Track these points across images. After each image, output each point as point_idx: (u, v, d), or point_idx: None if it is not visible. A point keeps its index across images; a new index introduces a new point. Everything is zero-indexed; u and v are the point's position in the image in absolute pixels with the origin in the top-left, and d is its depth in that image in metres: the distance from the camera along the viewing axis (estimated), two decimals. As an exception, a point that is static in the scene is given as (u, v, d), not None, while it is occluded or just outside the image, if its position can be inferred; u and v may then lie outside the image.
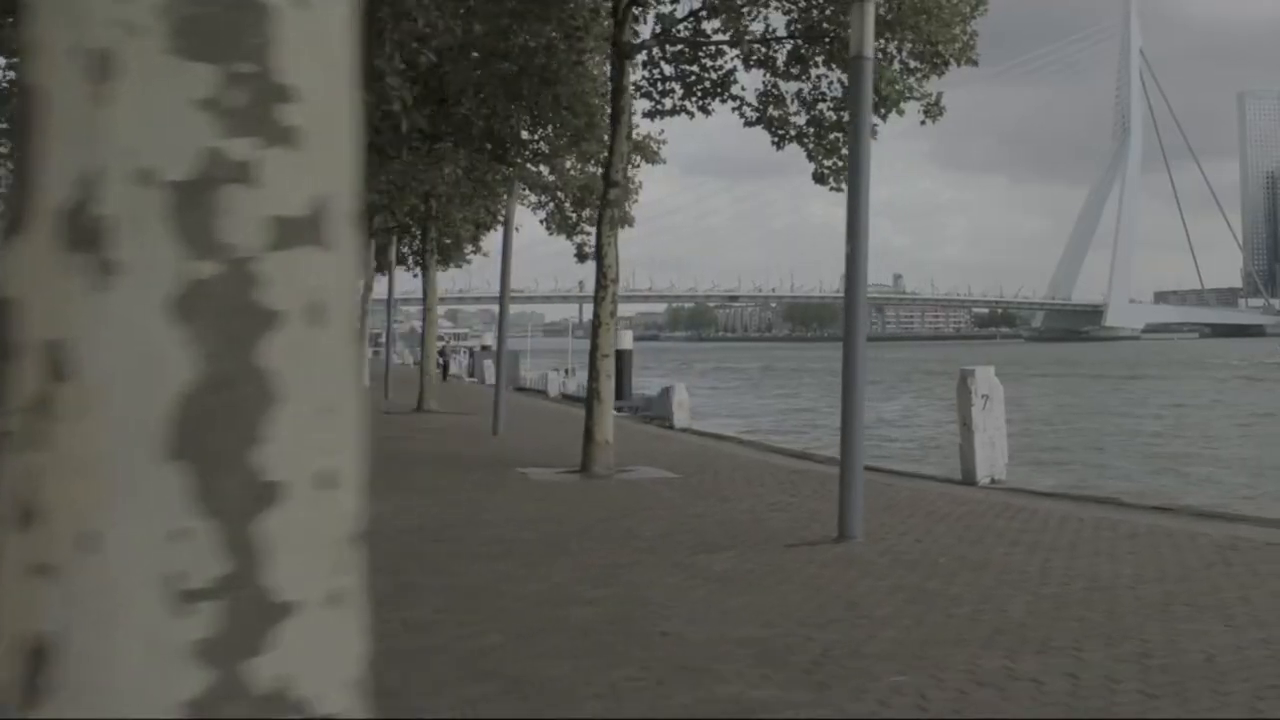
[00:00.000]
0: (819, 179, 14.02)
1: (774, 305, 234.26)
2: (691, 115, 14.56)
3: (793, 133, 14.08)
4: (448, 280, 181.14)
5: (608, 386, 11.76)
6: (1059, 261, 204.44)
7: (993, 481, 11.00)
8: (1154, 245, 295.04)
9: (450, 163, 17.61)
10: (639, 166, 22.86)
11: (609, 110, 12.81)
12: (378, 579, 3.23)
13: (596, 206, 22.61)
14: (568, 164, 21.35)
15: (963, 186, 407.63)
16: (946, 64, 12.66)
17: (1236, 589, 5.47)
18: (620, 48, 12.07)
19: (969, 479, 11.08)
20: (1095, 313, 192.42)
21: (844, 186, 14.03)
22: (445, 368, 39.67)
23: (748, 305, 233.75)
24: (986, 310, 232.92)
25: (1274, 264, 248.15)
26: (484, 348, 70.04)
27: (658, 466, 11.96)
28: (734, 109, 14.41)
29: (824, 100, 13.44)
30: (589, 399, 11.77)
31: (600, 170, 22.12)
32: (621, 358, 45.22)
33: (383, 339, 61.89)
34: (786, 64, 13.60)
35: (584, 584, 5.79)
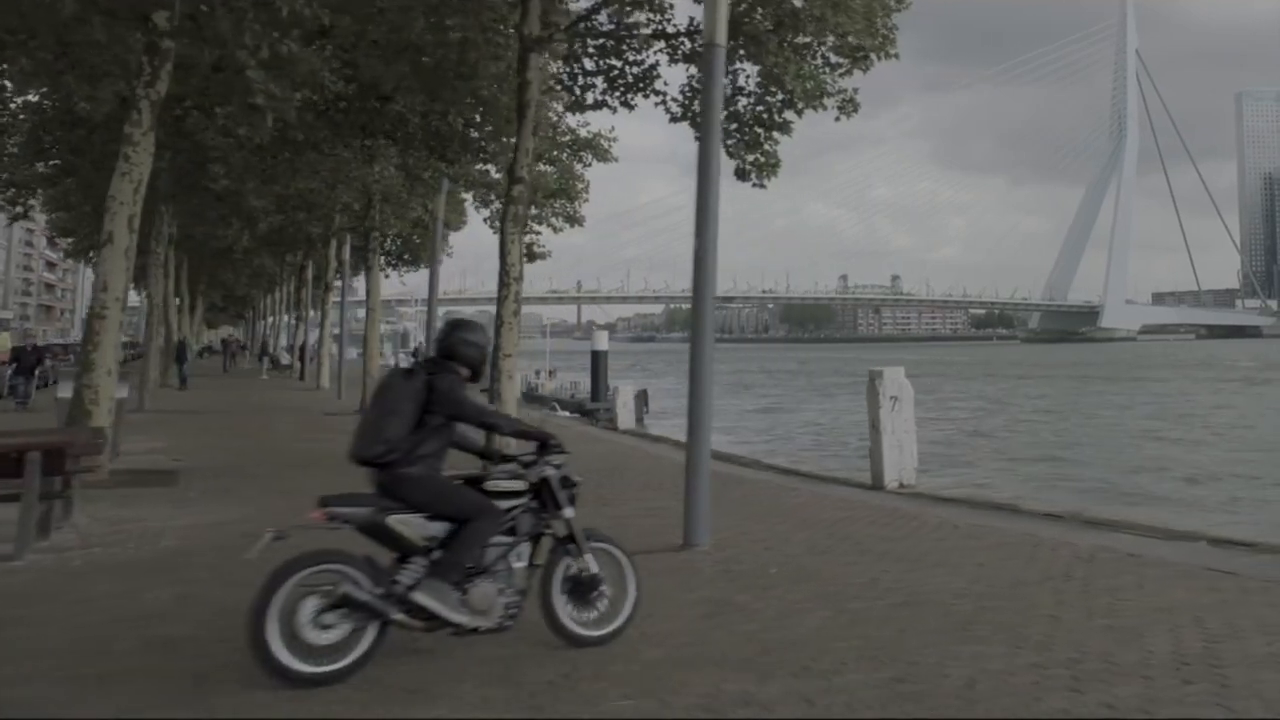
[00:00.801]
0: (741, 175, 13.72)
1: (770, 306, 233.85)
2: (614, 110, 14.28)
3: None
4: (443, 281, 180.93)
5: (508, 388, 11.45)
6: (1055, 262, 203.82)
7: (901, 485, 10.71)
8: (1152, 246, 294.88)
9: (384, 160, 17.29)
10: (590, 165, 22.66)
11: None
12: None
13: (545, 204, 22.48)
14: (515, 161, 20.97)
15: (963, 187, 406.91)
16: (867, 58, 12.38)
17: (1054, 606, 5.16)
18: (524, 40, 11.75)
19: (877, 483, 10.81)
20: (1091, 314, 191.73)
21: (766, 184, 13.94)
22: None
23: (744, 306, 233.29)
24: (983, 311, 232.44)
25: (1271, 265, 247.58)
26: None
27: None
28: (657, 104, 14.13)
29: (743, 94, 13.14)
30: (489, 400, 11.45)
31: (542, 166, 21.95)
32: (598, 359, 45.11)
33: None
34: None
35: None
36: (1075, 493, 15.44)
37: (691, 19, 13.55)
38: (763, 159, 13.66)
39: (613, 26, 13.80)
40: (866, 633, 4.66)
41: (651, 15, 13.39)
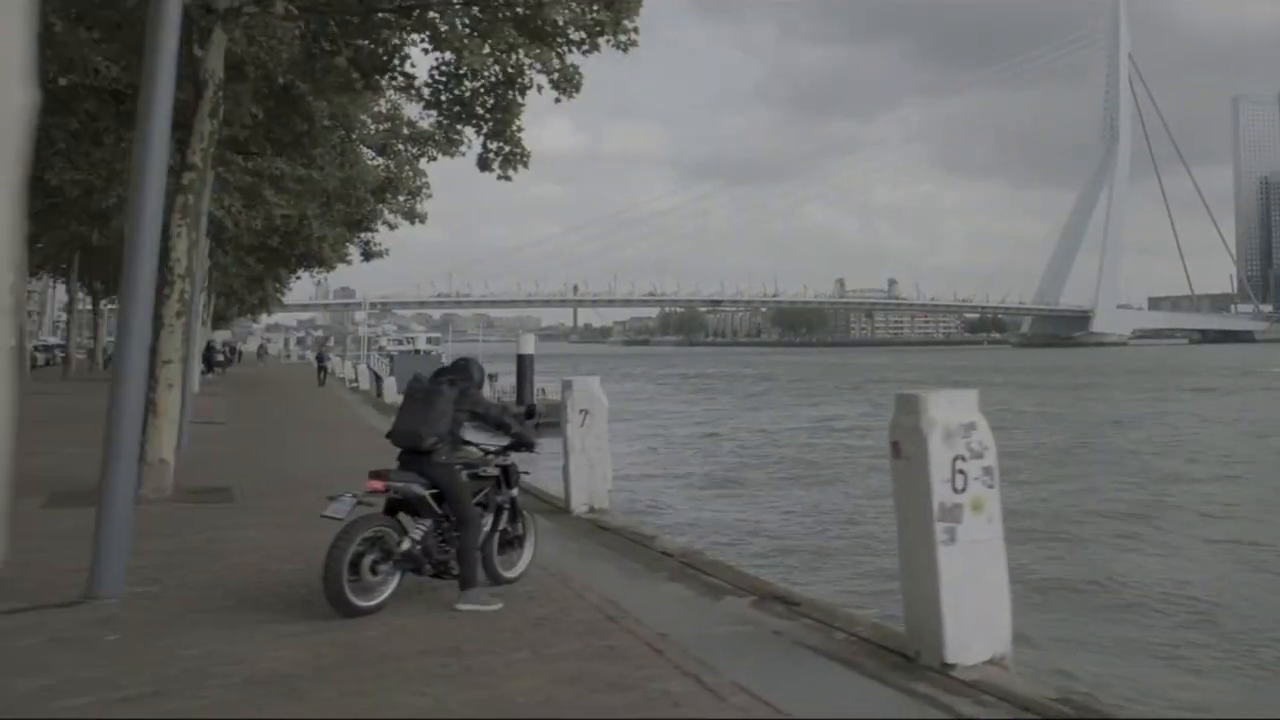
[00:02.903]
0: (483, 165, 12.56)
1: (764, 310, 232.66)
2: (355, 91, 13.13)
3: (464, 114, 12.64)
4: (429, 287, 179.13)
5: (167, 398, 10.24)
6: (1047, 266, 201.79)
7: (591, 510, 9.52)
8: (1149, 250, 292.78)
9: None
10: (435, 159, 21.42)
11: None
12: None
13: (380, 201, 21.28)
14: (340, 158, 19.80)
15: (964, 190, 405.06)
16: (601, 32, 11.20)
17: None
18: (188, 12, 10.53)
19: (567, 505, 9.65)
20: (1083, 318, 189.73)
21: (511, 175, 12.75)
22: (323, 371, 38.83)
23: (737, 310, 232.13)
24: (977, 315, 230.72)
25: (1267, 269, 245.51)
26: (417, 351, 68.99)
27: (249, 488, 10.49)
28: (402, 87, 12.98)
29: (475, 78, 11.93)
30: (145, 412, 10.21)
31: (378, 160, 20.77)
32: (523, 363, 44.18)
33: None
34: (468, 36, 12.00)
35: None
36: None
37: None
38: (508, 148, 12.51)
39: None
40: None
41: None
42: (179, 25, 6.16)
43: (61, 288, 54.25)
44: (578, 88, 11.18)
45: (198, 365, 29.48)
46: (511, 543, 6.16)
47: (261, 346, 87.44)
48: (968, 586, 4.32)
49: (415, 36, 12.29)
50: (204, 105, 10.71)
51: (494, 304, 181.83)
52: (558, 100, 11.22)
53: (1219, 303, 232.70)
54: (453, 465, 5.64)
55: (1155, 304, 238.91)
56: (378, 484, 5.35)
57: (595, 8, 11.06)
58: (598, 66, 12.13)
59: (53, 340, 63.77)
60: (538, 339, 47.70)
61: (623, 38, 11.21)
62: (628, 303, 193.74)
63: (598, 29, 11.17)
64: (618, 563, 7.00)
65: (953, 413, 4.39)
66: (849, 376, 71.97)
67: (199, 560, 6.65)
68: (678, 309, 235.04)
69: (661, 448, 29.78)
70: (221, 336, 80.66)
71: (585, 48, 11.46)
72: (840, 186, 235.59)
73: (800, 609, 5.63)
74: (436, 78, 12.70)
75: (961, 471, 4.35)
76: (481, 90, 11.75)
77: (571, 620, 5.28)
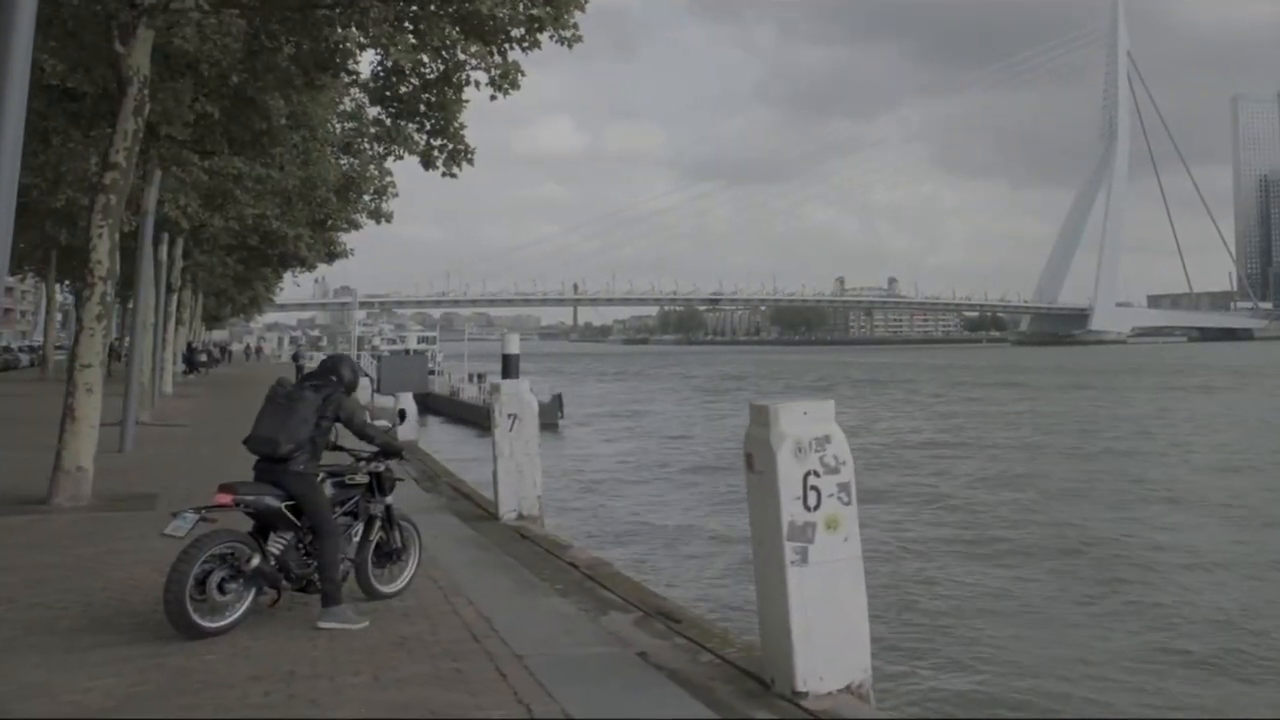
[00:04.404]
0: (426, 163, 12.33)
1: (763, 308, 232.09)
2: (296, 89, 12.88)
3: (405, 111, 12.41)
4: (426, 286, 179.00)
5: (87, 403, 9.95)
6: (1045, 265, 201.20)
7: (520, 517, 9.30)
8: (1148, 249, 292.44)
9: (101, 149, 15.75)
10: (402, 158, 21.15)
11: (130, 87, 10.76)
12: None
13: (341, 203, 21.00)
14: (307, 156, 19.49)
15: (964, 190, 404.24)
16: (541, 29, 10.93)
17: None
18: (107, 7, 10.29)
19: (495, 513, 9.47)
20: (1082, 316, 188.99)
21: (456, 172, 12.51)
22: (299, 371, 38.56)
23: (736, 308, 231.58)
24: (976, 314, 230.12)
25: (1266, 267, 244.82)
26: (408, 351, 68.79)
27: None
28: (349, 84, 12.75)
29: (412, 75, 11.66)
30: (63, 417, 9.95)
31: (345, 159, 20.50)
32: (509, 363, 43.79)
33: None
34: (397, 32, 11.71)
35: None
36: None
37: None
38: (451, 145, 12.27)
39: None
40: None
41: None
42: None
43: (55, 288, 54.06)
44: (515, 85, 10.91)
45: (172, 365, 29.28)
46: (390, 555, 5.91)
47: (248, 346, 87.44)
48: (821, 609, 4.07)
49: (351, 33, 12.04)
50: (127, 103, 10.41)
51: (493, 303, 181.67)
52: (493, 98, 10.94)
53: (1218, 300, 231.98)
54: (310, 474, 5.36)
55: (1154, 302, 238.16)
56: (225, 497, 5.04)
57: (533, 4, 10.80)
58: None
59: (39, 342, 63.55)
60: (538, 337, 47.73)
61: (566, 33, 10.94)
62: (627, 301, 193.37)
63: (537, 25, 10.91)
64: (517, 575, 6.76)
65: (805, 425, 4.13)
66: (848, 374, 71.82)
67: (77, 576, 6.39)
68: (677, 308, 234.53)
69: (644, 448, 29.69)
70: (217, 336, 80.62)
71: (526, 44, 11.21)
72: (840, 186, 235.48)
73: (680, 627, 5.39)
74: (379, 74, 12.47)
75: (814, 488, 4.10)
76: (418, 87, 11.49)
77: (434, 640, 5.04)
